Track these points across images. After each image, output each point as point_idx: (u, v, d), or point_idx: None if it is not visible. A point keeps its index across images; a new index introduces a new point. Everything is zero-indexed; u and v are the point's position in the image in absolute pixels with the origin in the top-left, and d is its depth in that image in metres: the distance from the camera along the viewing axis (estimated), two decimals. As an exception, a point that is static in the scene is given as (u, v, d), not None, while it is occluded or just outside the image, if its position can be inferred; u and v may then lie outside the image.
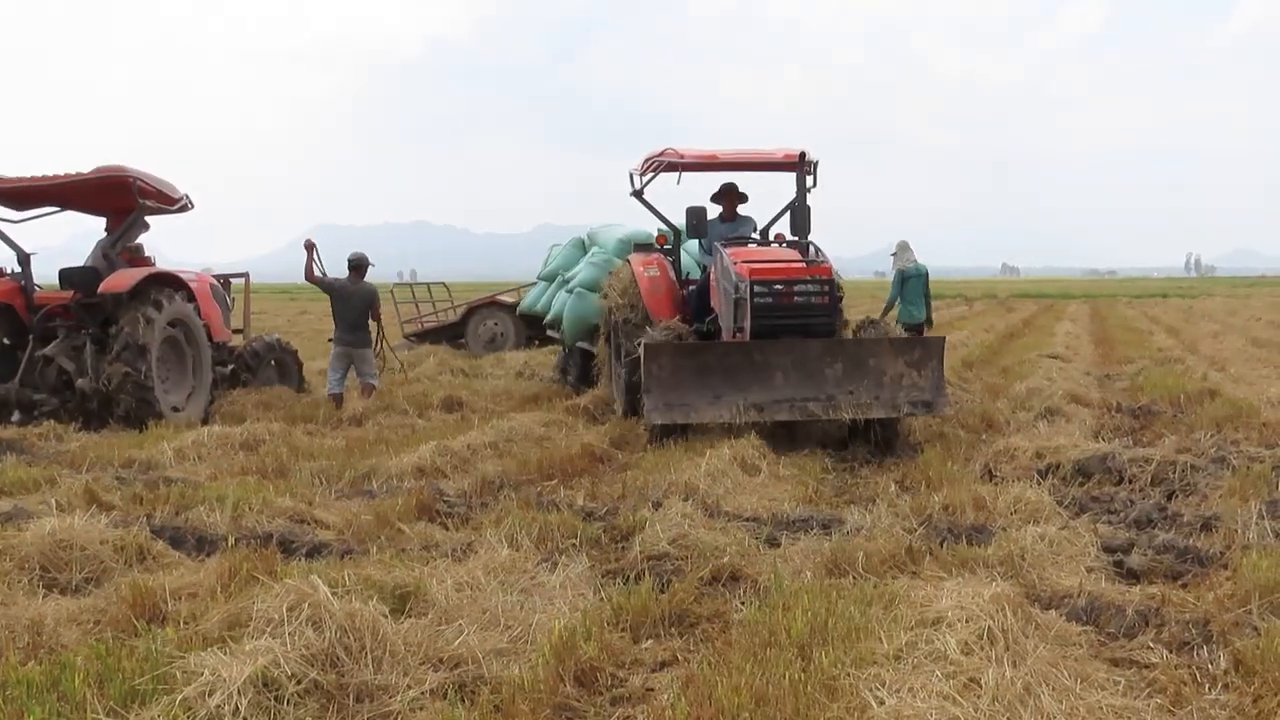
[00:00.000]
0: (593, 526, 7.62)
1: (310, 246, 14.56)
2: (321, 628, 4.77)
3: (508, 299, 25.69)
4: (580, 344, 16.28)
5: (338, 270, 15.02)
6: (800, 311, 11.33)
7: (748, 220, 13.82)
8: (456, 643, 5.15)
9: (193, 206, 15.01)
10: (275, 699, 4.33)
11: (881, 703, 4.17)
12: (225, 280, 16.48)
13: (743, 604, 5.97)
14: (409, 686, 4.71)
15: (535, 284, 19.40)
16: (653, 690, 4.95)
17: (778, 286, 11.25)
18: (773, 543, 7.34)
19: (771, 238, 13.85)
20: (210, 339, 14.51)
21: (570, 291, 16.39)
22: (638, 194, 13.76)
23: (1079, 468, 9.38)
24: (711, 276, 12.51)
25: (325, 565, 6.31)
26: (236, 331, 16.22)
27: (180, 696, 4.17)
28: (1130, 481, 9.10)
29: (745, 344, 11.04)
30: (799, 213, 12.89)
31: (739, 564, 6.71)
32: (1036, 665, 4.69)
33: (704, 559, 6.75)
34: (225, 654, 4.50)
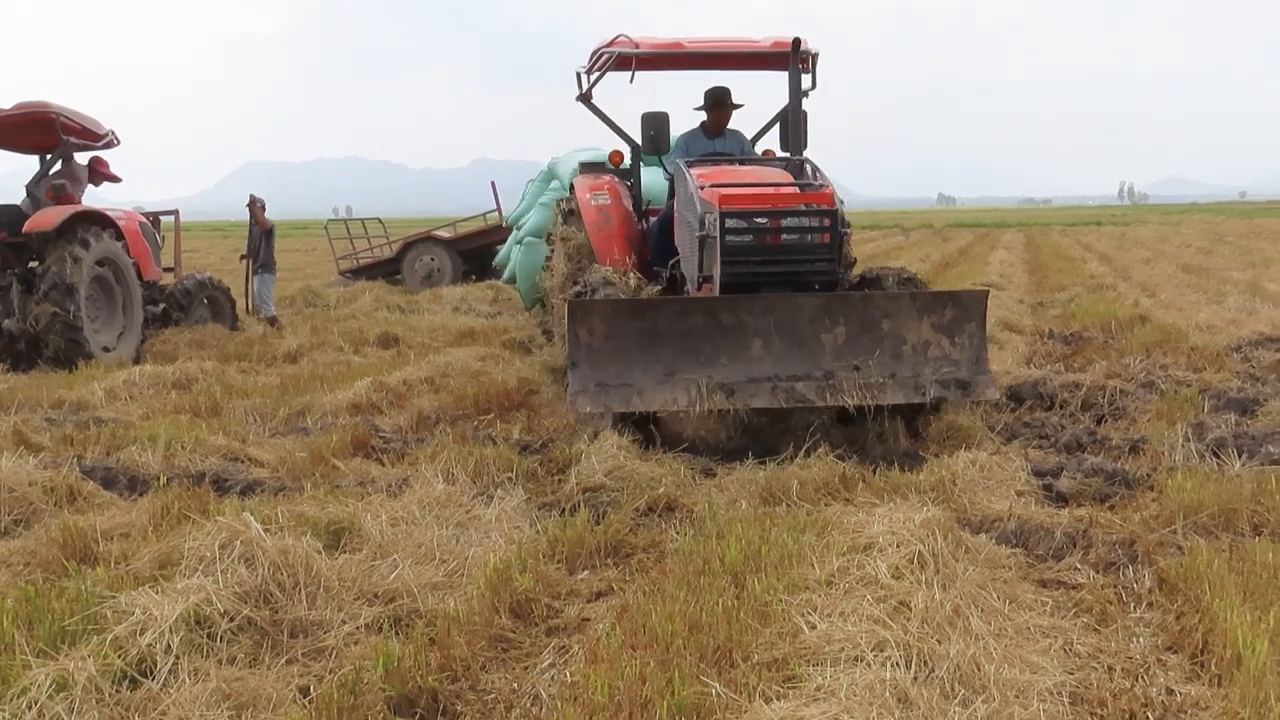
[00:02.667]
0: (529, 460, 7.64)
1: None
2: (254, 564, 4.75)
3: (444, 234, 25.52)
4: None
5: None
6: (790, 254, 8.35)
7: (737, 136, 10.45)
8: (391, 577, 5.15)
9: (119, 143, 14.74)
10: (208, 636, 4.31)
11: (813, 627, 4.21)
12: (155, 218, 16.20)
13: (678, 534, 6.01)
14: (343, 621, 4.71)
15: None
16: (588, 620, 5.00)
17: (759, 220, 8.25)
18: (708, 473, 7.40)
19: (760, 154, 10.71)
20: (140, 278, 14.27)
21: (520, 242, 14.29)
22: (584, 98, 10.68)
23: (1011, 393, 9.50)
24: (675, 208, 9.51)
25: (259, 503, 6.24)
26: (168, 270, 15.99)
27: (111, 636, 4.13)
28: (1061, 407, 9.24)
29: (709, 300, 8.08)
30: (792, 122, 9.77)
31: (675, 494, 6.78)
32: (966, 588, 4.79)
33: (640, 490, 6.82)
34: (156, 593, 4.47)
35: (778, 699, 3.75)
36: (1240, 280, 20.38)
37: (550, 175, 14.84)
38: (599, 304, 8.04)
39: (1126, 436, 8.10)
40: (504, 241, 23.12)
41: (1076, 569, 5.47)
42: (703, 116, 10.25)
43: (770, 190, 8.64)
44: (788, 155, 9.76)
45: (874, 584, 4.57)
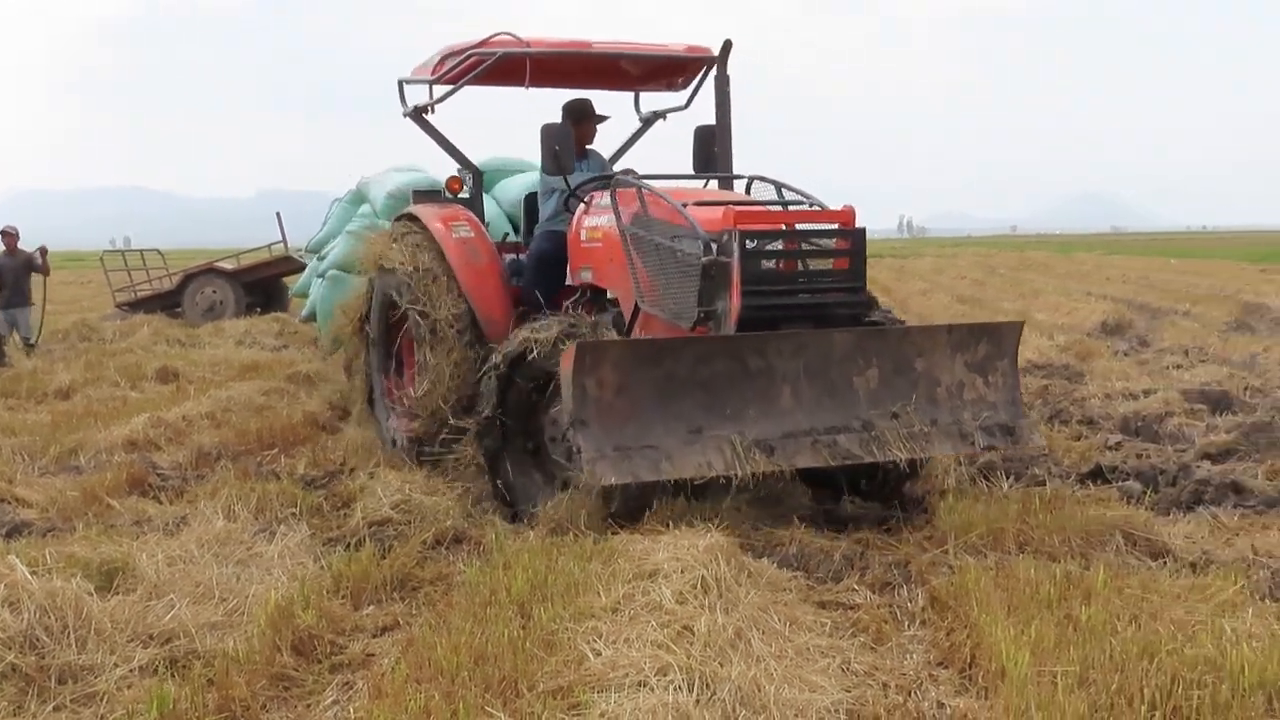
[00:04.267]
0: (313, 495, 7.51)
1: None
2: (19, 609, 4.56)
3: (227, 265, 24.90)
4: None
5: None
6: (813, 283, 7.00)
7: (598, 157, 9.11)
8: (167, 618, 4.99)
9: None
10: (-33, 686, 4.12)
11: (598, 654, 4.25)
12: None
13: (465, 566, 5.99)
14: (116, 665, 4.55)
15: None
16: (373, 655, 4.93)
17: (778, 243, 6.95)
18: (499, 501, 7.40)
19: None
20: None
21: (323, 275, 12.09)
22: (417, 114, 9.13)
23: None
24: (577, 238, 8.07)
25: (25, 545, 6.02)
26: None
27: None
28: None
29: (736, 340, 6.59)
30: (722, 137, 8.41)
31: (462, 526, 6.77)
32: (748, 611, 4.89)
33: (427, 523, 6.77)
34: (-89, 642, 4.25)
35: (563, 727, 3.77)
36: (1011, 310, 21.34)
37: (360, 198, 13.08)
38: (613, 347, 6.49)
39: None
40: (290, 273, 22.56)
41: (854, 590, 5.64)
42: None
43: (780, 209, 7.52)
44: (716, 175, 8.48)
45: (658, 610, 4.63)
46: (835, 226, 7.05)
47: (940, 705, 4.33)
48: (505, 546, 6.05)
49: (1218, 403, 9.86)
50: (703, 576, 4.97)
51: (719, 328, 6.66)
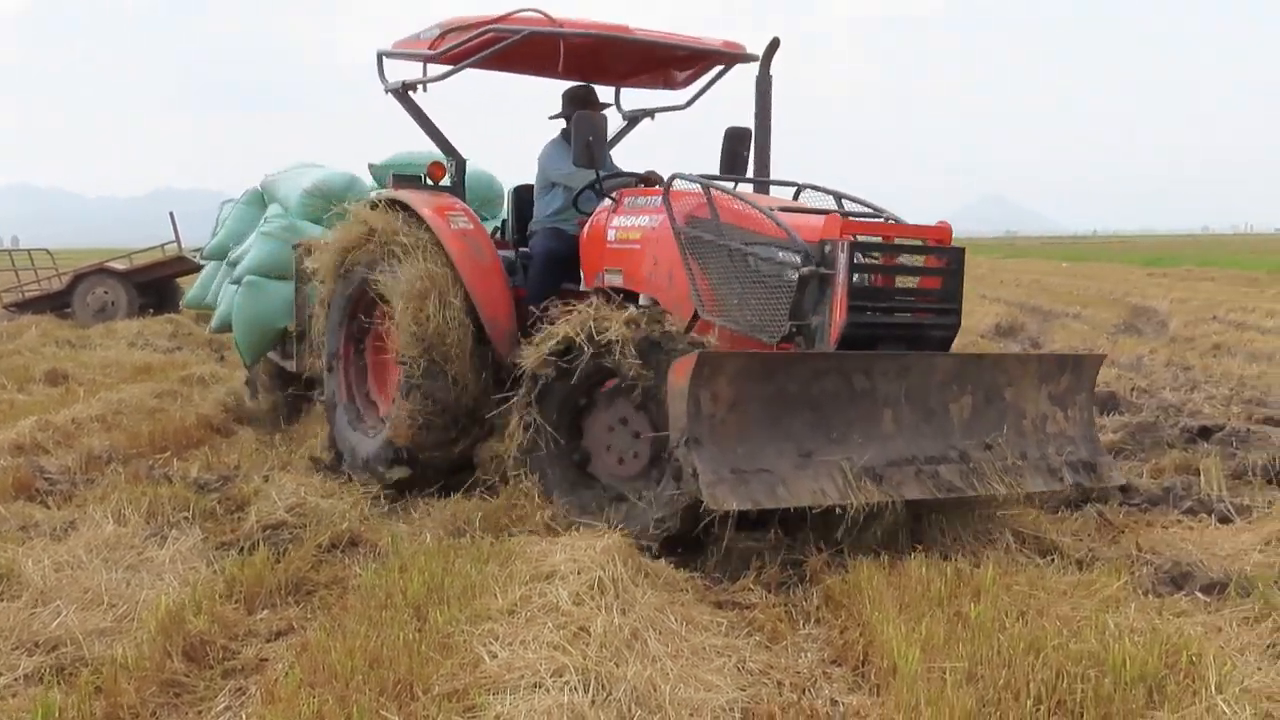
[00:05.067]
0: (207, 498, 7.38)
1: None
2: (-101, 617, 4.45)
3: (119, 265, 24.44)
4: (272, 356, 10.78)
5: None
6: (913, 302, 6.62)
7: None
8: (54, 625, 4.88)
9: None
10: None
11: (494, 656, 4.24)
12: None
13: (361, 569, 5.94)
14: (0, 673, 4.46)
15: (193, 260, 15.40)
16: (266, 660, 4.85)
17: (878, 255, 6.56)
18: (395, 505, 7.40)
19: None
20: None
21: (238, 282, 10.65)
22: (403, 92, 8.35)
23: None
24: (598, 238, 7.54)
25: (-97, 554, 5.87)
26: None
27: None
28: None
29: (845, 358, 6.16)
30: (757, 141, 7.72)
31: (359, 529, 6.68)
32: (645, 611, 4.92)
33: (323, 526, 6.67)
34: None
35: (457, 729, 3.77)
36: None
37: (262, 199, 11.88)
38: (734, 359, 5.93)
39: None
40: (185, 274, 22.16)
41: (750, 590, 5.69)
42: (561, 124, 8.37)
43: (880, 221, 6.98)
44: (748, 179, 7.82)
45: (555, 611, 4.64)
46: (932, 243, 6.65)
47: (834, 703, 4.39)
48: (402, 549, 6.02)
49: (1105, 403, 10.08)
50: (600, 578, 4.98)
51: (810, 344, 6.19)
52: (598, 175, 7.60)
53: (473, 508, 6.80)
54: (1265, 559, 6.00)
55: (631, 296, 7.22)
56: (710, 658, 4.72)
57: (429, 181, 8.40)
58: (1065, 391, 6.77)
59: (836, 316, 6.10)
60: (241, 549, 6.31)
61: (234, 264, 11.18)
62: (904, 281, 6.55)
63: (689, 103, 9.06)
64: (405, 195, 8.11)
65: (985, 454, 6.36)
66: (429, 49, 7.99)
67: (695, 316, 6.68)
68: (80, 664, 4.63)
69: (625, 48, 7.93)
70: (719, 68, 8.61)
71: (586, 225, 7.77)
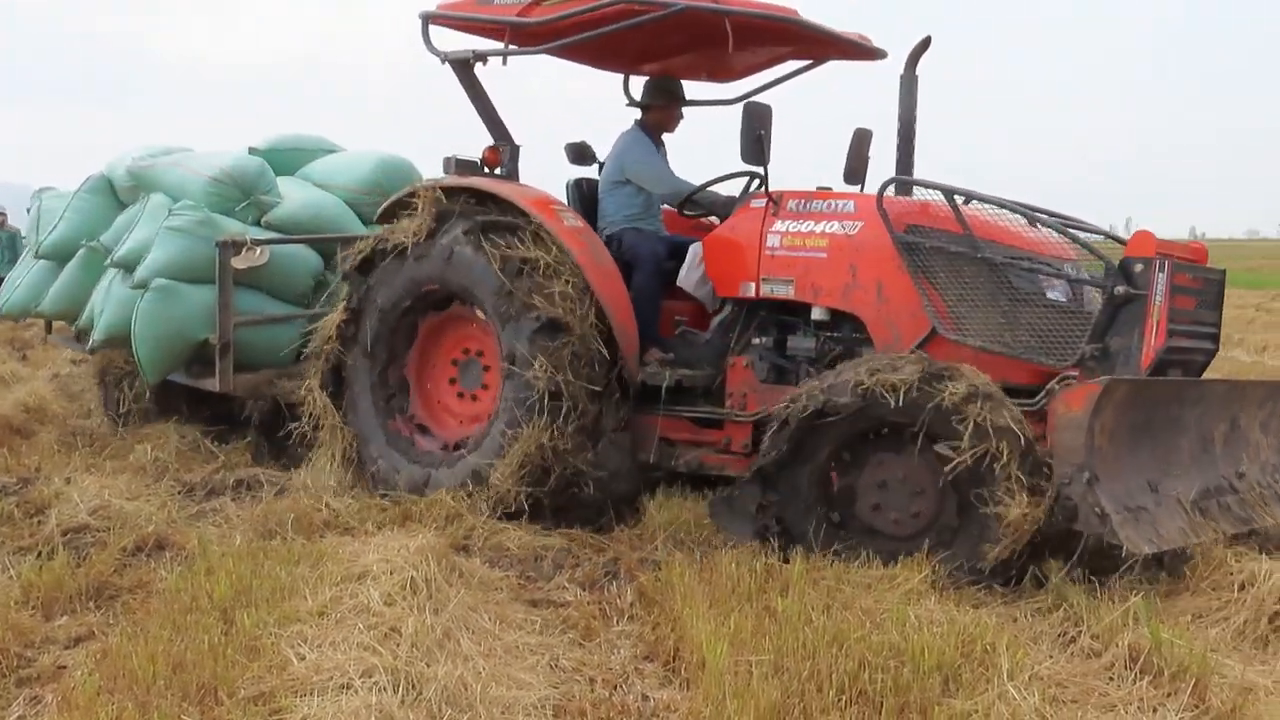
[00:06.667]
0: (4, 502, 7.10)
1: None
2: None
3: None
4: (175, 377, 9.03)
5: None
6: (1191, 328, 6.28)
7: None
8: None
9: None
10: None
11: (303, 658, 4.19)
12: None
13: (167, 573, 5.79)
14: None
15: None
16: (65, 668, 4.69)
17: (1186, 277, 6.19)
18: (206, 506, 7.26)
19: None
20: None
21: (145, 287, 8.62)
22: (466, 65, 7.44)
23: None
24: (753, 244, 6.91)
25: None
26: None
27: None
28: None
29: (1202, 385, 6.24)
30: (901, 146, 7.15)
31: (166, 532, 6.51)
32: (457, 611, 4.93)
33: (128, 529, 6.48)
34: None
35: (262, 733, 3.71)
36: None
37: (109, 186, 10.20)
38: (1141, 388, 5.67)
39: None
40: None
41: (565, 588, 5.75)
42: (634, 114, 7.84)
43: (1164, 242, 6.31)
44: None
45: (366, 612, 4.61)
46: (1211, 272, 6.50)
47: (645, 698, 4.45)
48: (210, 552, 5.88)
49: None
50: (412, 577, 4.97)
51: (1110, 368, 5.84)
52: (765, 175, 6.94)
53: (284, 509, 6.70)
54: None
55: (789, 308, 6.92)
56: (523, 656, 4.75)
57: (484, 165, 7.54)
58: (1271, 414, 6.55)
59: (1151, 340, 5.81)
60: (40, 554, 6.07)
61: (91, 262, 9.67)
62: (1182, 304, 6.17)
63: (743, 98, 7.94)
64: (494, 186, 7.20)
65: (1243, 483, 6.18)
66: (515, 16, 7.04)
67: (930, 335, 6.32)
68: None
69: (785, 33, 7.10)
70: (822, 61, 7.81)
71: (727, 227, 7.20)
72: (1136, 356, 5.80)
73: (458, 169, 7.47)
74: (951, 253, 6.27)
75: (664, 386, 6.80)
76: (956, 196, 6.35)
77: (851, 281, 6.57)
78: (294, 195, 9.36)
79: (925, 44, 7.01)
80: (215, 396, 8.91)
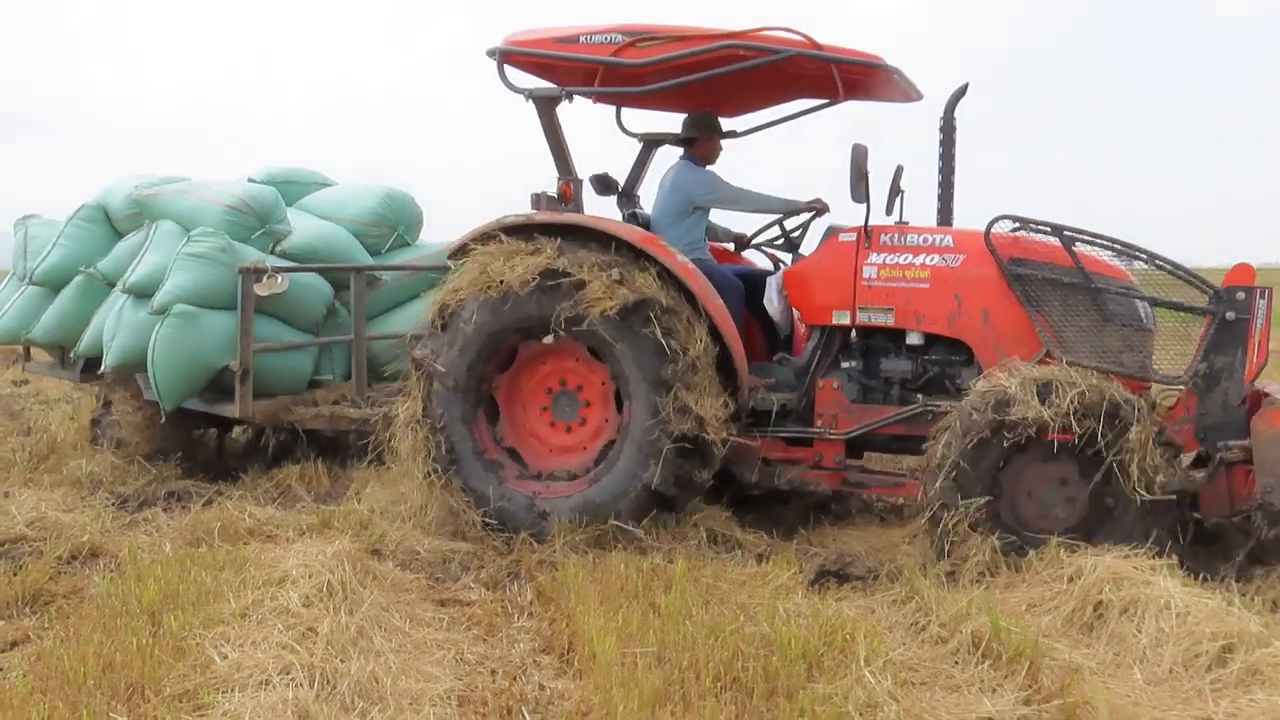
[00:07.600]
0: (-60, 515, 7.40)
1: None
2: None
3: None
4: (190, 404, 8.85)
5: None
6: None
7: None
8: None
9: None
10: None
11: (225, 657, 4.53)
12: None
13: (100, 579, 6.11)
14: None
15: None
16: (0, 670, 5.00)
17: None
18: (138, 517, 7.57)
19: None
20: None
21: (165, 313, 8.49)
22: (549, 103, 7.51)
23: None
24: (842, 276, 7.23)
25: None
26: None
27: None
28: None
29: None
30: (942, 186, 7.53)
31: (99, 541, 6.84)
32: (371, 610, 5.30)
33: (63, 539, 6.81)
34: None
35: (185, 728, 4.04)
36: None
37: (104, 215, 10.13)
38: None
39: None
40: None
41: (470, 588, 6.19)
42: (678, 150, 8.09)
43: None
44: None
45: (285, 613, 4.96)
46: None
47: (541, 688, 4.85)
48: (140, 559, 6.21)
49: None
50: (329, 581, 5.35)
51: (1215, 384, 6.50)
52: (867, 213, 7.10)
53: (211, 518, 7.04)
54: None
55: (881, 333, 7.26)
56: (431, 651, 5.14)
57: (561, 199, 7.64)
58: None
59: (1254, 358, 6.52)
60: (-23, 564, 6.38)
61: (88, 290, 9.57)
62: None
63: (751, 131, 8.38)
64: (592, 222, 7.21)
65: None
66: (610, 56, 7.06)
67: (1043, 356, 6.74)
68: None
69: (870, 77, 7.26)
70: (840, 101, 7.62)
71: (814, 260, 7.43)
72: (1240, 372, 6.50)
73: (545, 205, 7.57)
74: (1065, 284, 6.79)
75: (773, 411, 7.13)
76: (1065, 233, 6.82)
77: (957, 309, 7.01)
78: (306, 225, 9.56)
79: (962, 90, 7.39)
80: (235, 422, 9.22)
